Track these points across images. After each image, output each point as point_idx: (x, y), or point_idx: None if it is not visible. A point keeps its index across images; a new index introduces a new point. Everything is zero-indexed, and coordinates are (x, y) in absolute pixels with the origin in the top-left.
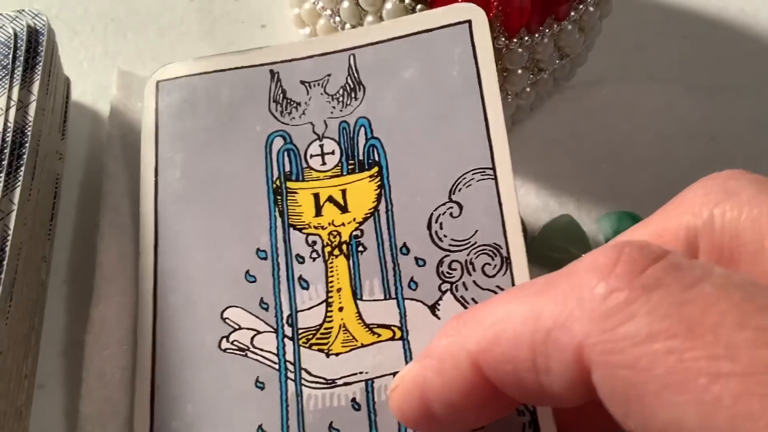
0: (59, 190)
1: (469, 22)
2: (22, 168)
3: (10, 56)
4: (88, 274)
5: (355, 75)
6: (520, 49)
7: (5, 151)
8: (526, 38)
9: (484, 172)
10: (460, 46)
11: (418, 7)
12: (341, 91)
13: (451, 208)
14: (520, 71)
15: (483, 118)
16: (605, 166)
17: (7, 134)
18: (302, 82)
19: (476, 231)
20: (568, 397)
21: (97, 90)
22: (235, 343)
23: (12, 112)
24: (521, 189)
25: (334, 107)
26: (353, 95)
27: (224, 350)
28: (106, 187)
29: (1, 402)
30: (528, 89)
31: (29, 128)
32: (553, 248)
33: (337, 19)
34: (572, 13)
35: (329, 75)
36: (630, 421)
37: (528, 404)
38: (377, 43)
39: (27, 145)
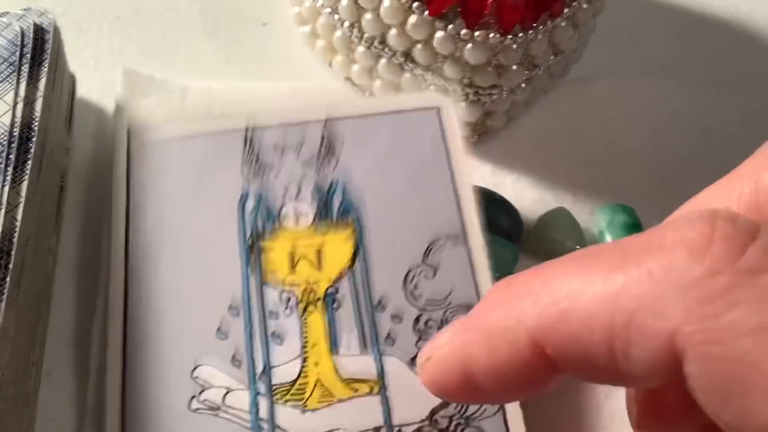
0: (65, 184)
1: (438, 108)
2: (29, 162)
3: (17, 53)
4: (95, 266)
5: (329, 143)
6: (514, 46)
7: (13, 145)
8: (521, 35)
9: (455, 238)
10: (430, 129)
11: (415, 5)
12: (315, 157)
13: (426, 270)
14: (514, 67)
15: (453, 189)
16: (600, 159)
17: (15, 129)
18: (275, 147)
19: (451, 291)
20: (645, 381)
21: (102, 87)
22: (206, 402)
23: (19, 107)
24: (517, 183)
25: (307, 171)
26: (327, 161)
27: (194, 410)
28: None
29: (9, 388)
30: (523, 85)
31: (36, 124)
32: (548, 240)
33: (336, 16)
34: (566, 10)
35: (302, 142)
36: (726, 416)
37: (592, 382)
38: (350, 117)
39: (34, 140)
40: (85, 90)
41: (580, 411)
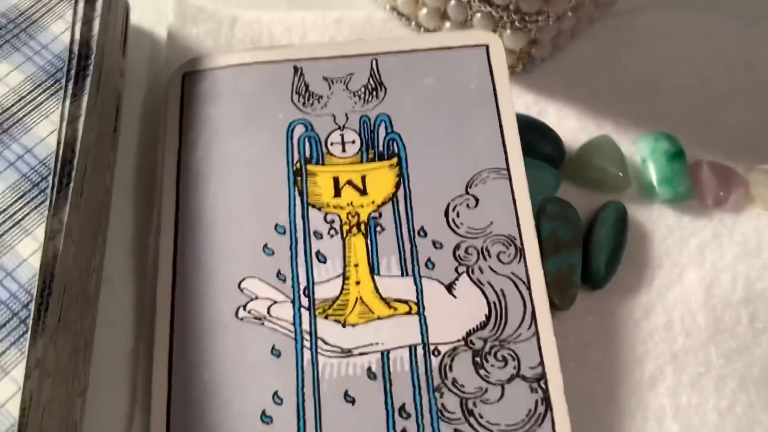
0: (121, 105)
1: (487, 46)
2: (89, 78)
3: None
4: (150, 184)
5: (377, 76)
6: None
7: (73, 61)
8: None
9: (499, 171)
10: (477, 65)
11: None
12: (363, 89)
13: (468, 200)
14: None
15: (498, 125)
16: (643, 91)
17: (74, 46)
18: (325, 78)
19: (491, 222)
20: None
21: (155, 15)
22: (252, 311)
23: (78, 26)
24: (561, 112)
25: (355, 103)
26: (375, 94)
27: (241, 319)
28: (169, 104)
29: (72, 287)
30: (570, 13)
31: (94, 42)
32: (590, 166)
33: None
34: None
35: (351, 74)
36: None
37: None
38: (400, 52)
39: (92, 56)
40: (138, 17)
41: (616, 329)
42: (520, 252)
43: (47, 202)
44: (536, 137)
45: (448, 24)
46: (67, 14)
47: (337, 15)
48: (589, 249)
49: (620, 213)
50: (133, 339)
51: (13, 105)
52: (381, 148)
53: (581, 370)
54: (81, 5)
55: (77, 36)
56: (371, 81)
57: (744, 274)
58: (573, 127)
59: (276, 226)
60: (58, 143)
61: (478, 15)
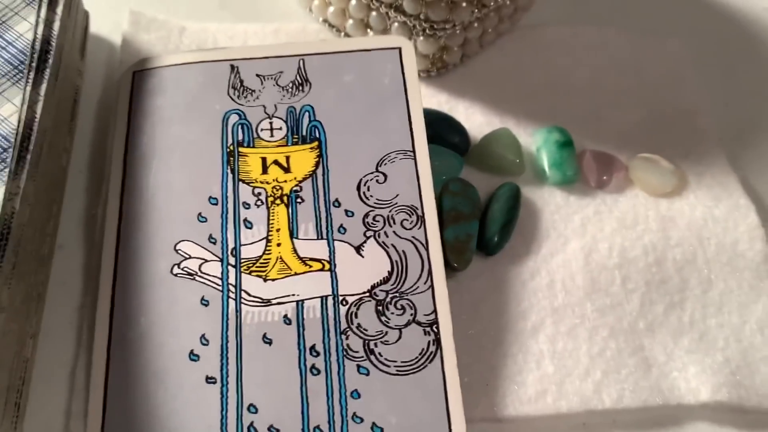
0: (79, 99)
1: (400, 48)
2: (48, 70)
3: None
4: (102, 167)
5: (304, 74)
6: None
7: (34, 56)
8: None
9: (406, 153)
10: (391, 64)
11: None
12: (291, 85)
13: (378, 176)
14: (464, 4)
15: (407, 114)
16: (543, 93)
17: (36, 43)
18: (258, 75)
19: (397, 195)
20: None
21: (112, 25)
22: (185, 269)
23: (40, 27)
24: (469, 109)
25: (283, 96)
26: (301, 88)
27: (175, 275)
28: (120, 98)
29: (28, 244)
30: (475, 24)
31: (54, 41)
32: (490, 154)
33: None
34: None
35: (281, 72)
36: None
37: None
38: (324, 53)
39: (52, 52)
40: (97, 26)
41: (505, 287)
42: (421, 220)
43: (7, 170)
44: (444, 128)
45: (371, 33)
46: (30, 17)
47: (275, 26)
48: (485, 221)
49: (514, 191)
50: (81, 296)
51: None
52: (304, 134)
53: (472, 321)
54: (43, 10)
55: (39, 35)
56: (298, 77)
57: (620, 244)
58: (479, 122)
59: (210, 198)
60: (19, 122)
61: (395, 24)
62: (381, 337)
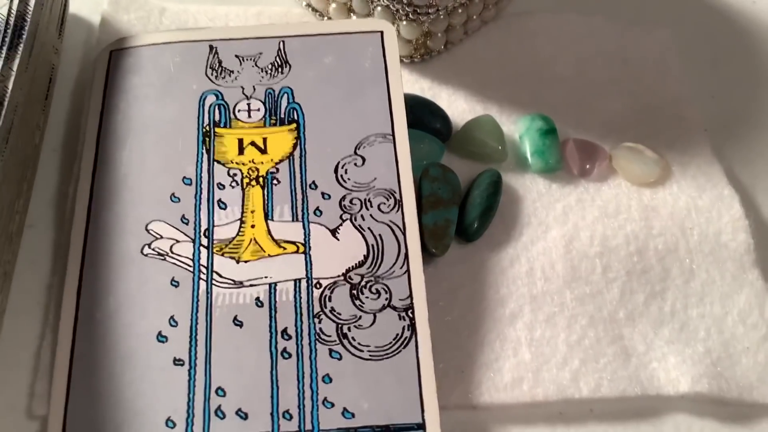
0: (54, 77)
1: (381, 32)
2: (21, 45)
3: None
4: (75, 147)
5: (284, 55)
6: None
7: (8, 31)
8: None
9: (385, 136)
10: (372, 47)
11: None
12: (270, 66)
13: (356, 159)
14: None
15: (387, 97)
16: (528, 80)
17: (11, 18)
18: (237, 56)
19: (375, 178)
20: None
21: (92, 5)
22: (156, 249)
23: (15, 2)
24: (452, 96)
25: (262, 77)
26: (280, 70)
27: (146, 255)
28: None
29: None
30: (460, 10)
31: (29, 16)
32: (472, 140)
33: None
34: None
35: (261, 53)
36: None
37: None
38: (305, 35)
39: (26, 28)
40: (77, 6)
41: (484, 274)
42: (399, 203)
43: None
44: (426, 113)
45: (354, 17)
46: None
47: (258, 9)
48: (464, 207)
49: (494, 178)
50: (50, 275)
51: None
52: (282, 116)
53: (449, 308)
54: None
55: (14, 11)
56: (278, 59)
57: (601, 232)
58: (462, 109)
59: (183, 178)
60: None
61: (378, 8)
62: (355, 321)
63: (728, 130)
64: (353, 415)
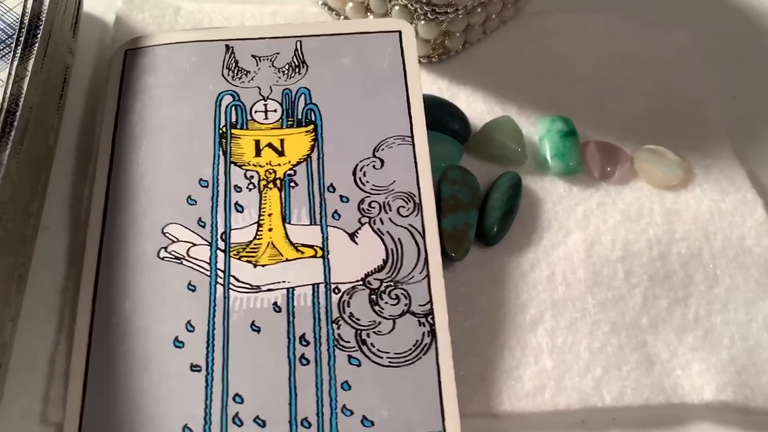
0: (68, 77)
1: (400, 32)
2: (37, 45)
3: None
4: (90, 147)
5: (301, 56)
6: None
7: (23, 30)
8: None
9: (404, 138)
10: (390, 47)
11: None
12: (287, 66)
13: (375, 161)
14: None
15: (406, 98)
16: (547, 81)
17: (25, 18)
18: (253, 56)
19: (394, 181)
20: None
21: (106, 4)
22: (173, 252)
23: (30, 1)
24: (470, 96)
25: (279, 78)
26: (297, 70)
27: (162, 258)
28: (111, 76)
29: (9, 223)
30: (479, 9)
31: (44, 14)
32: (491, 142)
33: None
34: None
35: (278, 53)
36: None
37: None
38: (322, 35)
39: (41, 27)
40: (91, 6)
41: (504, 279)
42: (418, 207)
43: None
44: (444, 115)
45: (371, 16)
46: None
47: (273, 8)
48: (484, 210)
49: (514, 181)
50: (65, 279)
51: None
52: (300, 117)
53: (469, 313)
54: None
55: (29, 9)
56: (295, 59)
57: (623, 237)
58: (480, 110)
59: (200, 180)
60: (4, 97)
61: (396, 8)
62: (374, 327)
63: (751, 133)
64: (372, 423)
